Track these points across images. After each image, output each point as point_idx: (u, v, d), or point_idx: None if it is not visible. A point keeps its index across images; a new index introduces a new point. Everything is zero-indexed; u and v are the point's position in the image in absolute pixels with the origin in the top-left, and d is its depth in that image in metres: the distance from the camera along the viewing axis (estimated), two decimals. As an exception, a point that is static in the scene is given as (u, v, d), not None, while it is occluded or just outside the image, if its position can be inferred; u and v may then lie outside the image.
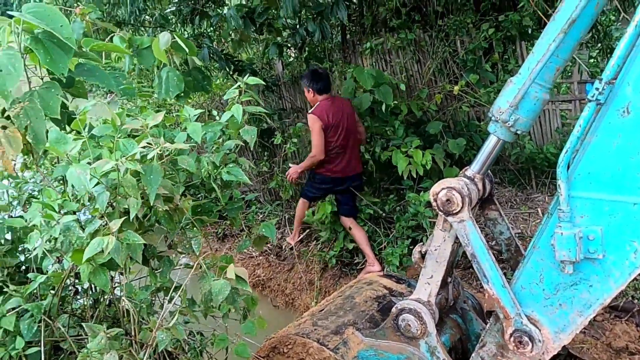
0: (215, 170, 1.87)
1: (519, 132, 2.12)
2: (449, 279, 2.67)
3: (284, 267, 4.71)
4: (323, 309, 3.00)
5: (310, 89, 4.13)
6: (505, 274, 2.67)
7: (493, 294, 2.14)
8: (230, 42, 5.64)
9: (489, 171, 2.53)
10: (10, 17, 1.82)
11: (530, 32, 4.92)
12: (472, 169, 2.33)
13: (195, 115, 1.96)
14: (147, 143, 1.56)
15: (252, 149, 4.76)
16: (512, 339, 2.09)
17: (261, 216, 5.46)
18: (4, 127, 1.86)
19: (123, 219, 1.54)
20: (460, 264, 4.14)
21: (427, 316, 2.39)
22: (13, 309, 1.64)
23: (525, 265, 2.16)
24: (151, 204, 1.55)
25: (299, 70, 5.52)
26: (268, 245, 5.00)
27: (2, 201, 2.29)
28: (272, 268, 4.77)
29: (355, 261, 4.40)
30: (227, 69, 5.13)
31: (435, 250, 2.40)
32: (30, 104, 1.75)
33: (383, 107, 4.31)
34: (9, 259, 2.06)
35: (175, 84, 2.46)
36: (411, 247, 4.36)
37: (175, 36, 2.20)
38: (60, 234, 1.55)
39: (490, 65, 4.94)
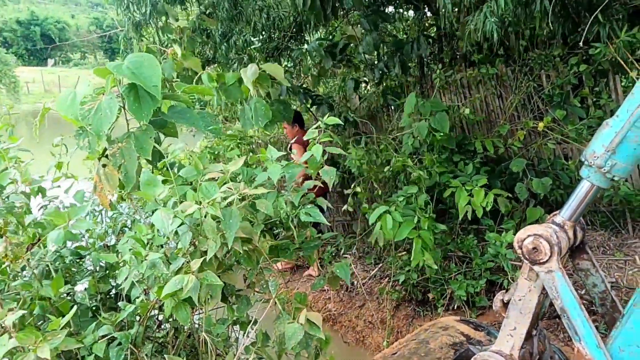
0: (293, 211, 1.91)
1: (615, 178, 1.97)
2: (534, 331, 2.49)
3: (355, 303, 4.64)
4: (396, 352, 2.90)
5: (296, 125, 5.22)
6: (597, 327, 2.44)
7: (586, 354, 1.96)
8: (310, 77, 5.82)
9: (580, 217, 2.36)
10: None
11: (625, 65, 4.60)
12: (562, 215, 2.18)
13: (277, 156, 2.02)
14: (228, 188, 1.62)
15: (330, 189, 4.81)
16: (608, 406, 1.90)
17: (333, 249, 5.44)
18: (104, 166, 2.03)
19: (202, 259, 1.60)
20: (544, 312, 3.86)
21: (509, 371, 2.23)
22: (104, 336, 1.76)
23: (624, 325, 1.97)
24: (229, 247, 1.60)
25: (376, 106, 5.55)
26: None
27: (100, 230, 2.49)
28: (343, 303, 4.71)
29: (431, 299, 4.24)
30: (306, 103, 5.28)
31: (520, 300, 2.25)
32: (126, 145, 1.89)
33: (422, 137, 4.22)
34: (102, 285, 2.22)
35: (264, 113, 2.61)
36: (486, 288, 4.13)
37: (262, 66, 2.32)
38: (146, 269, 1.64)
39: (579, 100, 4.66)
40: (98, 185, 2.07)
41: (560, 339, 3.51)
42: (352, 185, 4.35)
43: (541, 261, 2.06)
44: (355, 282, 4.77)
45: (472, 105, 5.16)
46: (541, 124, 4.53)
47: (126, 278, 1.72)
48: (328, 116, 2.25)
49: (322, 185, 2.20)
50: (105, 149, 2.05)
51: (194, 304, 1.60)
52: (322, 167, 2.07)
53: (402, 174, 4.20)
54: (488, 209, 3.89)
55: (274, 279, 1.83)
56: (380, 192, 4.14)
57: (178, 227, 1.62)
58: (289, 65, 6.37)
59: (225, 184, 1.70)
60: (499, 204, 3.93)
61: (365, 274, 4.86)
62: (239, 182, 2.03)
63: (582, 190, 2.09)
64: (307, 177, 4.60)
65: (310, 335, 1.78)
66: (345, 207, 4.49)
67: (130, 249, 1.74)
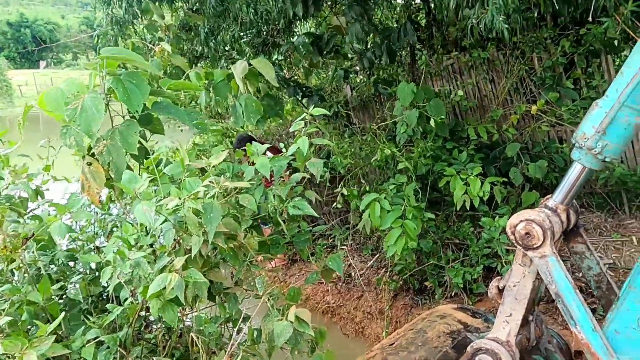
0: (281, 205, 1.88)
1: (607, 160, 1.94)
2: (531, 317, 2.48)
3: (353, 294, 4.63)
4: (394, 343, 2.89)
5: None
6: (594, 309, 2.41)
7: (582, 339, 1.95)
8: (302, 69, 5.76)
9: (573, 200, 2.34)
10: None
11: (616, 44, 4.55)
12: (555, 199, 2.16)
13: (263, 149, 1.99)
14: (210, 182, 1.59)
15: (317, 182, 4.71)
16: (605, 389, 1.89)
17: (329, 241, 5.42)
18: (89, 164, 2.00)
19: (186, 256, 1.57)
20: (543, 296, 3.85)
21: (505, 358, 2.22)
22: (93, 339, 1.73)
23: (619, 308, 1.96)
24: (210, 242, 1.57)
25: (367, 95, 5.51)
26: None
27: (90, 231, 2.46)
28: (342, 295, 4.70)
29: (429, 287, 4.23)
30: (296, 96, 5.22)
31: (514, 286, 2.24)
32: (111, 142, 1.86)
33: (432, 123, 4.15)
34: (93, 288, 2.19)
35: (255, 110, 2.58)
36: (484, 274, 4.12)
37: (252, 62, 2.29)
38: (130, 269, 1.61)
39: (572, 82, 4.63)
40: (85, 184, 2.05)
41: (559, 322, 3.50)
42: (340, 185, 4.31)
43: (534, 246, 2.04)
44: (353, 274, 4.76)
45: (465, 90, 5.12)
46: (534, 107, 4.50)
47: (110, 278, 1.69)
48: (314, 107, 2.22)
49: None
50: (90, 147, 2.02)
51: (181, 303, 1.58)
52: (309, 159, 2.04)
53: (392, 163, 4.17)
54: (485, 198, 3.87)
55: (260, 277, 1.80)
56: (367, 187, 4.10)
57: (161, 224, 1.59)
58: (279, 58, 6.30)
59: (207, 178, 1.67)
60: (494, 192, 3.90)
61: (362, 265, 4.84)
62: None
63: (573, 173, 2.07)
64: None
65: (301, 333, 1.75)
66: (335, 204, 4.46)
67: (114, 250, 1.71)
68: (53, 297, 2.09)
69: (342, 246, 5.23)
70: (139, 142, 2.27)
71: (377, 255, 4.77)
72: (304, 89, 5.28)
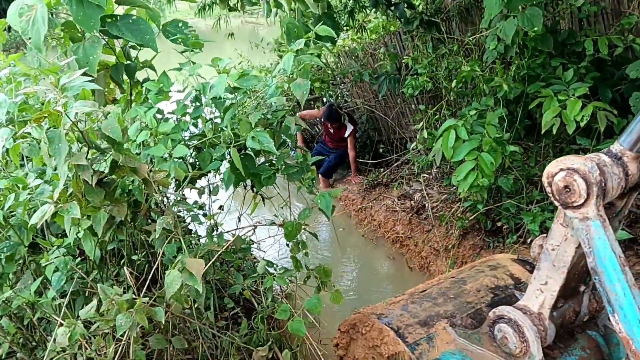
0: (244, 133, 1.61)
1: (703, 89, 1.31)
2: (583, 287, 1.98)
3: (423, 227, 4.26)
4: (425, 290, 2.58)
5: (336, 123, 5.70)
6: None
7: (621, 331, 1.47)
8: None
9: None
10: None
11: None
12: (621, 143, 1.59)
13: (226, 65, 1.69)
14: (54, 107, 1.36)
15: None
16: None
17: (411, 167, 4.99)
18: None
19: (62, 187, 1.43)
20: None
21: (530, 333, 1.81)
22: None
23: (687, 299, 1.42)
24: (63, 177, 1.39)
25: (469, 1, 4.64)
26: (411, 201, 4.58)
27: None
28: (412, 226, 4.37)
29: (504, 229, 3.69)
30: (378, 6, 4.53)
31: (553, 250, 1.77)
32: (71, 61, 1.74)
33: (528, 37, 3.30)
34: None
35: (295, 35, 2.37)
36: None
37: None
38: (27, 198, 1.53)
39: None
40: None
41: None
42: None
43: (574, 204, 1.54)
44: (427, 205, 4.35)
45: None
46: (685, 11, 3.38)
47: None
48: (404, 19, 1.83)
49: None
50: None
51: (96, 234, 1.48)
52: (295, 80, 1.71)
53: (475, 84, 3.52)
54: (583, 124, 3.12)
55: (163, 218, 1.59)
56: (446, 111, 3.53)
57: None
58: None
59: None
60: (598, 118, 3.11)
61: (439, 197, 4.40)
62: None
63: (651, 107, 1.46)
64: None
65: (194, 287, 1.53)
66: (414, 144, 3.99)
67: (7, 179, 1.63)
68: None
69: (424, 174, 4.79)
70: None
71: (455, 187, 4.27)
72: (391, -7, 4.58)
